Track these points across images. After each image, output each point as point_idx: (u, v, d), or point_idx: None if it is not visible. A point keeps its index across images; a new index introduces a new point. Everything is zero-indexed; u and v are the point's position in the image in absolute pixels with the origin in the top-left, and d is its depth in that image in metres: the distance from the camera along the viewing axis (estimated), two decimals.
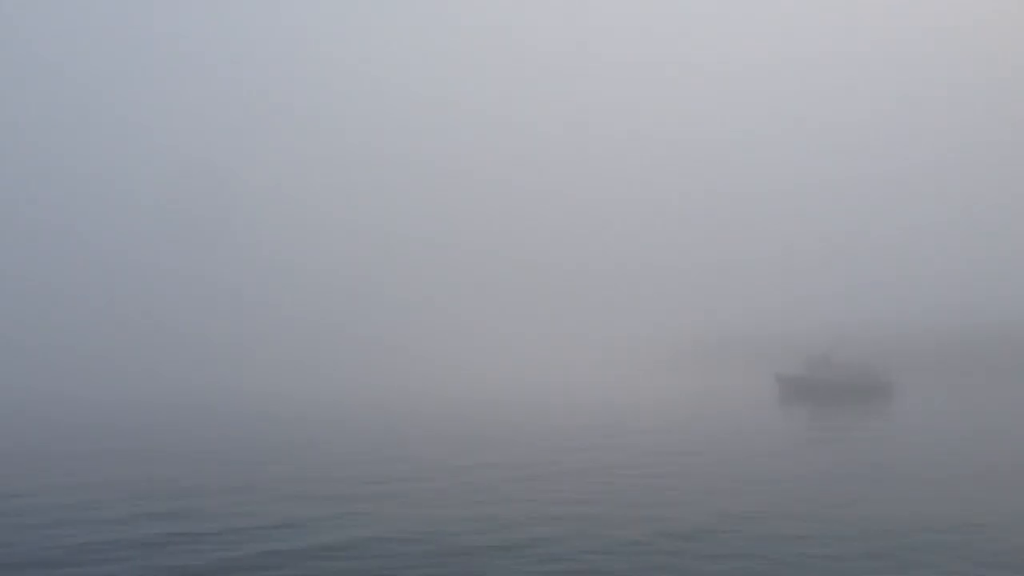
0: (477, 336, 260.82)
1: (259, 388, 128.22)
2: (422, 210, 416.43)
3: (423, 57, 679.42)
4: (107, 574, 13.89)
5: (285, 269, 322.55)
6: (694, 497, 20.05)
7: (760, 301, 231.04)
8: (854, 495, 19.75)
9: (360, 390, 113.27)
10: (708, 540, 15.33)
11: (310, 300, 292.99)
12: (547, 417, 51.80)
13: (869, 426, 40.53)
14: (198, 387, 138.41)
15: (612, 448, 32.07)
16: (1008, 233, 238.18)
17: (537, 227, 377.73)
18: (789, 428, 39.79)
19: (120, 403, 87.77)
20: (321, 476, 25.36)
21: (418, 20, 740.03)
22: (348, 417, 55.54)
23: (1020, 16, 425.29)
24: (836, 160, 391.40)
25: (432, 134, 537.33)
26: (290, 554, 15.00)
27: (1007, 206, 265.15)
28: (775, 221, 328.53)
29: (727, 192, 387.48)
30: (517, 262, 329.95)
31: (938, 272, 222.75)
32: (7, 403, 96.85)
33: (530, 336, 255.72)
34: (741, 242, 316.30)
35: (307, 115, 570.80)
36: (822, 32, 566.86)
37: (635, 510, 18.39)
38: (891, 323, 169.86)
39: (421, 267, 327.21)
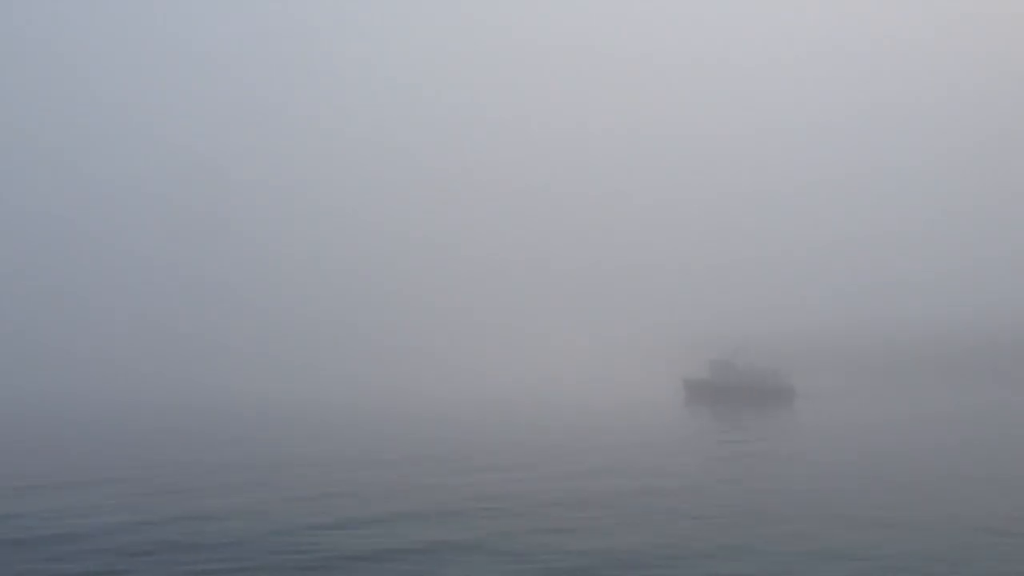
0: (489, 336, 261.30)
1: (273, 390, 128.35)
2: (429, 210, 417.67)
3: (430, 56, 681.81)
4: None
5: (295, 269, 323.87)
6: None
7: (772, 300, 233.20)
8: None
9: (376, 392, 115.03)
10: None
11: (322, 301, 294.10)
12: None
13: (749, 430, 44.56)
14: (207, 389, 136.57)
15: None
16: (1009, 236, 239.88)
17: (548, 227, 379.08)
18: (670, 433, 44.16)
19: (120, 404, 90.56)
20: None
21: (422, 19, 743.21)
22: (368, 421, 58.96)
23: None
24: (838, 160, 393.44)
25: (439, 133, 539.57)
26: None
27: (1008, 205, 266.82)
28: (783, 219, 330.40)
29: (735, 192, 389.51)
30: (528, 262, 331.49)
31: (934, 272, 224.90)
32: (6, 401, 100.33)
33: (540, 336, 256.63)
34: (751, 240, 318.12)
35: (312, 114, 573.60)
36: (823, 32, 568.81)
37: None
38: (878, 323, 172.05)
39: (430, 268, 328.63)
